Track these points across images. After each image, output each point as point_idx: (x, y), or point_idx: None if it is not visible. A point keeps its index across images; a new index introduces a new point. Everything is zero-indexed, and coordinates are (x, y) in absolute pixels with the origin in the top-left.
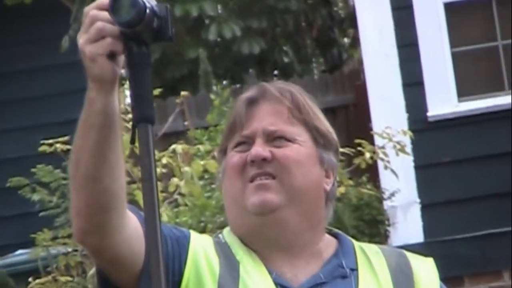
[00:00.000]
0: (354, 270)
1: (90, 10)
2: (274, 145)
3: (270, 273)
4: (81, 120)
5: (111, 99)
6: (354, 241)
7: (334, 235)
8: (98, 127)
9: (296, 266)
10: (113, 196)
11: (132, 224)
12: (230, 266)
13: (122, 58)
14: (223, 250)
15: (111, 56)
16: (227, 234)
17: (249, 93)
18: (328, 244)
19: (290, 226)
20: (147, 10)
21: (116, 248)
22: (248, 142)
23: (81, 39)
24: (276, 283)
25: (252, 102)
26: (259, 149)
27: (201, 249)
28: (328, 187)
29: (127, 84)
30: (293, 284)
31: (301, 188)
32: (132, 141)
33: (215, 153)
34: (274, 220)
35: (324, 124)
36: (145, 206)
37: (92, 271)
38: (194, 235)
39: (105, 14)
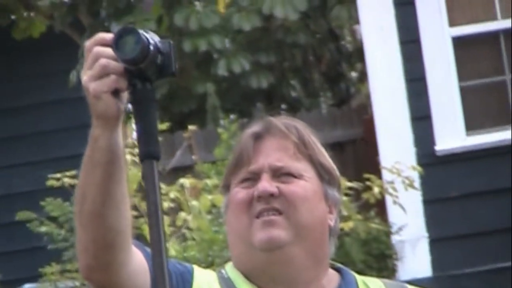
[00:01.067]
0: None
1: (93, 46)
2: (280, 181)
3: None
4: (86, 157)
5: (115, 136)
6: (356, 275)
7: (337, 270)
8: (103, 164)
9: None
10: (119, 233)
11: (137, 260)
12: None
13: (125, 95)
14: (228, 286)
15: (115, 93)
16: (230, 269)
17: (254, 128)
18: (330, 280)
19: (296, 263)
20: (151, 47)
21: (121, 284)
22: (253, 178)
23: (85, 76)
24: None
25: (257, 137)
26: (267, 184)
27: (206, 284)
28: (332, 223)
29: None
30: None
31: (307, 225)
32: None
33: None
34: (280, 257)
35: (328, 160)
36: (151, 241)
37: None
38: (197, 270)
39: (109, 51)
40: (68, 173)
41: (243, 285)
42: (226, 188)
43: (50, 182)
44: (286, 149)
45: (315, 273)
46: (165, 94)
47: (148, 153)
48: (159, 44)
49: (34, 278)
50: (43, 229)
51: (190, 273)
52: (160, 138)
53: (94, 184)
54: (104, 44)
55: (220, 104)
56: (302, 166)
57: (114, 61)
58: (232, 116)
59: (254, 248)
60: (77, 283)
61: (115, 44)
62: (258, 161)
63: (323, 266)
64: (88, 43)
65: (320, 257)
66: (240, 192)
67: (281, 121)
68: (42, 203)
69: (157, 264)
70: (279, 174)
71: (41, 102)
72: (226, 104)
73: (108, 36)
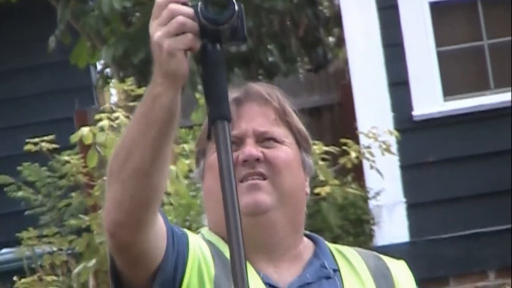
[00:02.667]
0: (336, 270)
1: (167, 2)
2: (264, 146)
3: (258, 273)
4: (140, 114)
5: (178, 96)
6: (327, 243)
7: (310, 238)
8: (161, 123)
9: (280, 268)
10: (157, 192)
11: (160, 223)
12: (222, 266)
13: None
14: (214, 250)
15: (187, 52)
16: (207, 233)
17: (235, 93)
18: (306, 246)
19: (277, 228)
20: (236, 9)
21: (144, 243)
22: (236, 142)
23: (158, 32)
24: (265, 283)
25: (238, 103)
26: (253, 149)
27: (198, 248)
28: (308, 191)
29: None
30: (280, 284)
31: (290, 190)
32: (209, 137)
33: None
34: (264, 222)
35: (304, 127)
36: (224, 202)
37: (77, 270)
38: (191, 234)
39: (187, 9)
40: (46, 138)
41: (224, 248)
42: (202, 153)
43: (28, 147)
44: (267, 114)
45: (294, 239)
46: (143, 59)
47: (220, 114)
48: (239, 7)
49: (11, 243)
50: (20, 194)
51: (186, 237)
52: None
53: (145, 142)
54: (179, 1)
55: (197, 69)
56: (283, 132)
57: (191, 19)
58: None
59: None
60: (54, 248)
61: (204, 2)
62: (241, 126)
63: (300, 233)
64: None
65: (299, 223)
66: None
67: (261, 87)
68: (19, 168)
69: (231, 223)
70: (262, 139)
71: (20, 67)
72: None
73: None
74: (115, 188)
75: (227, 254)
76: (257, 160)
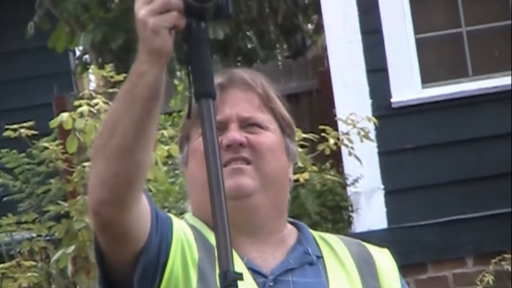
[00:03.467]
0: (320, 257)
1: None
2: (247, 131)
3: (241, 258)
4: (124, 91)
5: (162, 73)
6: (311, 230)
7: (293, 224)
8: (145, 100)
9: (264, 252)
10: (142, 170)
11: (144, 200)
12: (206, 250)
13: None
14: (198, 234)
15: (172, 30)
16: (190, 219)
17: (218, 79)
18: (290, 232)
19: (261, 213)
20: None
21: (128, 222)
22: (220, 128)
23: (143, 10)
24: (248, 268)
25: (222, 88)
26: (236, 134)
27: (182, 232)
28: (291, 177)
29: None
30: (264, 270)
31: (274, 175)
32: (188, 115)
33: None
34: (247, 206)
35: (287, 114)
36: (209, 181)
37: (56, 256)
38: (175, 218)
39: None
40: (25, 124)
41: (208, 233)
42: (185, 138)
43: (7, 133)
44: (251, 100)
45: (277, 224)
46: (121, 45)
47: (205, 91)
48: None
49: None
50: None
51: (170, 221)
52: (116, 89)
53: (129, 119)
54: None
55: (176, 56)
56: (267, 118)
57: None
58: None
59: None
60: (33, 234)
61: None
62: (225, 111)
63: (284, 218)
64: None
65: (283, 209)
66: None
67: (245, 73)
68: None
69: (216, 205)
70: (246, 124)
71: None
72: (181, 55)
73: None
74: (99, 165)
75: (210, 239)
76: (241, 145)
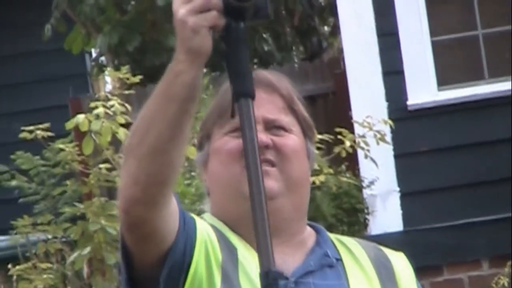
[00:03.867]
0: (339, 260)
1: None
2: (272, 134)
3: None
4: (160, 91)
5: (200, 73)
6: (329, 233)
7: (311, 226)
8: (182, 100)
9: (284, 254)
10: (175, 170)
11: (173, 203)
12: (229, 251)
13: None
14: (220, 235)
15: (211, 29)
16: (210, 219)
17: None
18: (309, 234)
19: (284, 215)
20: None
21: (157, 222)
22: None
23: (182, 9)
24: None
25: None
26: (263, 136)
27: (206, 233)
28: (310, 179)
29: (107, 71)
30: (285, 271)
31: (297, 178)
32: (232, 115)
33: (195, 140)
34: (271, 207)
35: (309, 116)
36: (249, 180)
37: (71, 258)
38: (198, 219)
39: None
40: (41, 126)
41: (229, 233)
42: (206, 137)
43: (23, 135)
44: (275, 102)
45: (298, 226)
46: (137, 47)
47: (244, 91)
48: None
49: (5, 231)
50: (13, 183)
51: (194, 221)
52: (132, 91)
53: (165, 119)
54: None
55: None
56: (290, 120)
57: None
58: (204, 70)
59: (244, 198)
60: (49, 236)
61: None
62: None
63: (304, 220)
64: None
65: (304, 211)
66: (230, 142)
67: (269, 74)
68: (12, 156)
69: (256, 203)
70: (270, 126)
71: (14, 53)
72: None
73: None
74: (131, 165)
75: (232, 239)
76: (266, 147)
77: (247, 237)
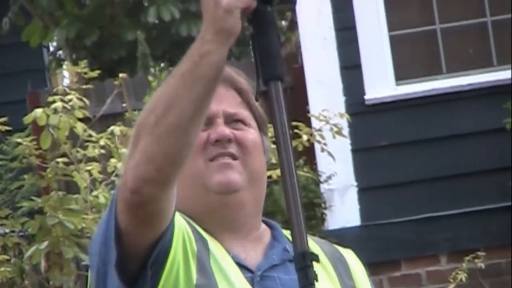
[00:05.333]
0: None
1: None
2: (233, 127)
3: (228, 252)
4: (186, 70)
5: (226, 54)
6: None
7: (264, 222)
8: (208, 80)
9: (246, 248)
10: (190, 150)
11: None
12: (201, 242)
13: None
14: (191, 227)
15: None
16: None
17: None
18: (264, 230)
19: (246, 208)
20: None
21: (164, 202)
22: (206, 123)
23: None
24: (235, 262)
25: None
26: (225, 129)
27: (182, 221)
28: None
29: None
30: (248, 265)
31: (258, 172)
32: (256, 99)
33: None
34: (234, 201)
35: (263, 111)
36: (281, 162)
37: (29, 252)
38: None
39: None
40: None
41: (196, 225)
42: None
43: None
44: (234, 96)
45: (256, 221)
46: (95, 41)
47: (273, 74)
48: None
49: None
50: None
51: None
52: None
53: (188, 98)
54: None
55: (150, 52)
56: (248, 115)
57: None
58: (162, 64)
59: (208, 191)
60: (7, 230)
61: None
62: (211, 106)
63: (261, 216)
64: None
65: (261, 206)
66: None
67: (228, 69)
68: None
69: (288, 183)
70: (231, 120)
71: None
72: (156, 52)
73: None
74: (147, 143)
75: (199, 230)
76: (229, 140)
77: (211, 229)
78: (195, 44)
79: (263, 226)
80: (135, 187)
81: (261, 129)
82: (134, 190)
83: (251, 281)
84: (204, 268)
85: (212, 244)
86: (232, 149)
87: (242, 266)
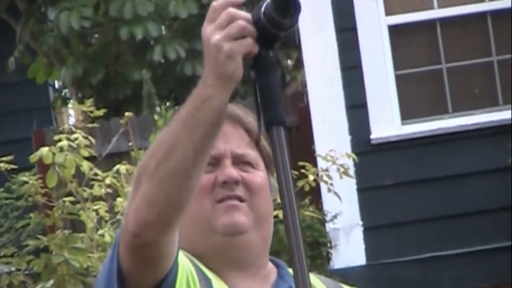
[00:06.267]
0: None
1: (225, 6)
2: (241, 169)
3: None
4: (187, 114)
5: (227, 98)
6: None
7: (270, 260)
8: (209, 124)
9: (251, 287)
10: (192, 194)
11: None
12: (204, 281)
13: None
14: (195, 265)
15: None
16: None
17: None
18: (271, 268)
19: (252, 249)
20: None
21: (165, 245)
22: (213, 163)
23: (217, 35)
24: None
25: None
26: (233, 171)
27: (186, 261)
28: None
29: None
30: None
31: (264, 214)
32: (257, 144)
33: None
34: (240, 242)
35: (270, 150)
36: (283, 206)
37: None
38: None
39: (246, 13)
40: (5, 158)
41: (201, 266)
42: None
43: None
44: (242, 136)
45: (264, 260)
46: (101, 80)
47: (275, 119)
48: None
49: None
50: None
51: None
52: (96, 125)
53: (190, 142)
54: (236, 5)
55: (156, 91)
56: (256, 155)
57: (250, 24)
58: (167, 103)
59: (214, 232)
60: (13, 268)
61: (275, 6)
62: (219, 146)
63: (268, 255)
64: (217, 3)
65: (269, 245)
66: (202, 176)
67: (236, 108)
68: None
69: (291, 227)
70: (238, 161)
71: None
72: (161, 91)
73: (239, 0)
74: (148, 187)
75: (204, 270)
76: (236, 183)
77: (216, 268)
78: (197, 88)
79: (270, 265)
80: (136, 231)
81: (268, 168)
82: (136, 233)
83: None
84: None
85: (217, 283)
86: (239, 191)
87: None
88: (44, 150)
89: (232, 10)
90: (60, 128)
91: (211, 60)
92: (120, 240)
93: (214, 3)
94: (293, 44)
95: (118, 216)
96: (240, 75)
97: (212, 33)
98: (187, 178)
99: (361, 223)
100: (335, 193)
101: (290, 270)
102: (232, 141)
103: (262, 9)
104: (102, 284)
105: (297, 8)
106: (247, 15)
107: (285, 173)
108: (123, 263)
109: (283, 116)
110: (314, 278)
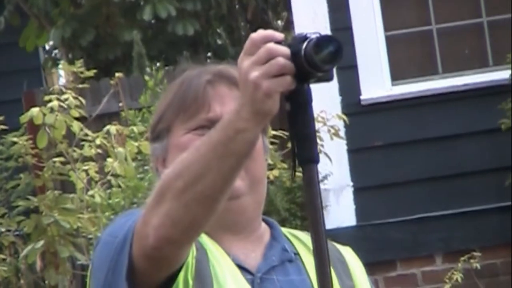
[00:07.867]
0: (296, 254)
1: (264, 41)
2: None
3: (227, 254)
4: (219, 143)
5: (260, 131)
6: (280, 227)
7: (263, 220)
8: (241, 156)
9: (246, 249)
10: (216, 215)
11: None
12: (200, 250)
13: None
14: None
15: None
16: None
17: (204, 73)
18: (264, 229)
19: (247, 213)
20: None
21: (183, 255)
22: (209, 126)
23: (255, 71)
24: (235, 265)
25: (210, 83)
26: None
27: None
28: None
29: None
30: (248, 266)
31: (260, 177)
32: (293, 178)
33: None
34: (235, 206)
35: None
36: (315, 248)
37: (25, 251)
38: None
39: (286, 49)
40: None
41: None
42: (166, 130)
43: None
44: (237, 98)
45: (258, 222)
46: (91, 41)
47: (309, 157)
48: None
49: None
50: None
51: None
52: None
53: (220, 171)
54: (276, 41)
55: (146, 52)
56: None
57: (289, 61)
58: (158, 64)
59: None
60: (3, 229)
61: (316, 46)
62: (215, 108)
63: (261, 216)
64: (256, 36)
65: (262, 208)
66: (196, 140)
67: (232, 69)
68: None
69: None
70: None
71: None
72: (152, 52)
73: (279, 35)
74: (174, 207)
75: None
76: None
77: (211, 231)
78: (230, 117)
79: (263, 225)
80: (157, 245)
81: (263, 130)
82: (156, 247)
83: (251, 283)
84: (203, 279)
85: (212, 248)
86: None
87: (242, 268)
88: (35, 110)
89: (272, 46)
90: (51, 89)
91: (248, 96)
92: (134, 244)
93: (253, 35)
94: (329, 79)
95: (108, 177)
96: (276, 110)
97: (250, 68)
98: (214, 203)
99: (351, 184)
100: (326, 154)
101: (283, 229)
102: (228, 103)
103: (303, 48)
104: (103, 272)
105: (338, 57)
106: (286, 51)
107: (317, 213)
108: (136, 261)
109: (316, 154)
110: (307, 237)
